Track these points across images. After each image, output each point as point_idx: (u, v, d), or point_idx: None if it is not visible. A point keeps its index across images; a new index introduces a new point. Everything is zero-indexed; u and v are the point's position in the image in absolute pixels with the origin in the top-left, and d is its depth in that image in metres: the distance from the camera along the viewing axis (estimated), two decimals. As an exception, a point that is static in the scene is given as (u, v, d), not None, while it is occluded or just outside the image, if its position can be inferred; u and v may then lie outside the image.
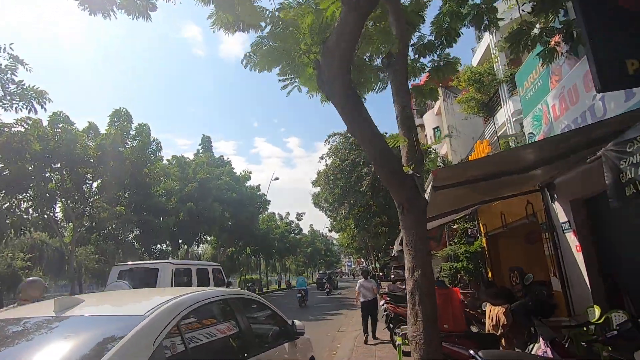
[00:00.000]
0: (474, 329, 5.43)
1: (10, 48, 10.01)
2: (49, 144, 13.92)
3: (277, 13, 3.31)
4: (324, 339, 9.22)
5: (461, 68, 12.77)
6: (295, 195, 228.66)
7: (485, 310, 4.68)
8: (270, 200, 28.95)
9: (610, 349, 3.76)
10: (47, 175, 14.75)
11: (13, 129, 12.82)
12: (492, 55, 14.11)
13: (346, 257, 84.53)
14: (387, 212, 22.35)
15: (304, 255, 55.04)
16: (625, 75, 3.37)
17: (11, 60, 10.21)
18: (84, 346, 1.73)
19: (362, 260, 61.11)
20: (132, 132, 17.32)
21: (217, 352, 2.43)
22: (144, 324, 1.84)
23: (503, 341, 4.24)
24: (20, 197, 14.65)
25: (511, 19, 7.70)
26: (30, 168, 13.72)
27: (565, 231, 6.45)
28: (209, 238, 27.38)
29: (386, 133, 24.62)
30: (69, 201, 15.98)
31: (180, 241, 21.67)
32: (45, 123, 14.55)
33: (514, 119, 13.23)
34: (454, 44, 6.25)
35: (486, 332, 4.50)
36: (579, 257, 6.06)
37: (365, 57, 4.44)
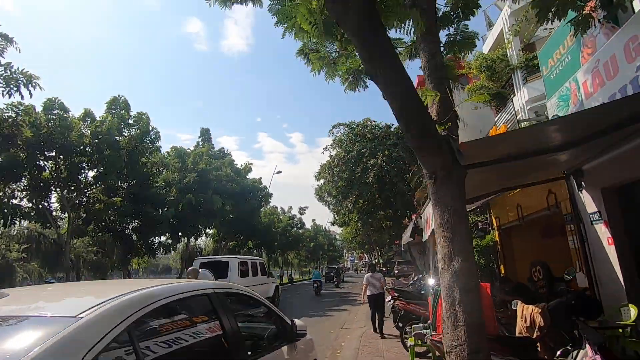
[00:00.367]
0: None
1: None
2: (41, 130, 13.39)
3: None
4: (327, 337, 8.69)
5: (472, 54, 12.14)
6: (299, 191, 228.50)
7: (516, 310, 4.09)
8: (272, 193, 28.39)
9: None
10: (40, 163, 14.23)
11: (4, 114, 12.29)
12: (506, 40, 13.42)
13: (349, 252, 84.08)
14: (392, 206, 21.77)
15: (307, 249, 54.54)
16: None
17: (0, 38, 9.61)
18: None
19: (365, 255, 60.68)
20: (130, 121, 16.74)
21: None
22: (70, 329, 1.27)
23: (539, 346, 3.66)
24: (14, 186, 14.19)
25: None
26: (23, 156, 13.20)
27: (594, 222, 5.85)
28: (210, 231, 26.91)
29: (391, 125, 24.02)
30: (65, 191, 15.51)
31: (180, 234, 21.16)
32: (39, 109, 14.03)
33: (528, 107, 12.57)
34: (471, 17, 5.66)
35: (517, 334, 3.93)
36: (611, 251, 5.47)
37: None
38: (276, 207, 40.69)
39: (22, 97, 10.37)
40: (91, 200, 16.21)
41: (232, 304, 2.54)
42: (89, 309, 1.40)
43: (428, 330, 4.86)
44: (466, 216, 2.74)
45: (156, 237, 19.64)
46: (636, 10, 5.41)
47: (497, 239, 10.26)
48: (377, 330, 8.63)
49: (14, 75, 10.18)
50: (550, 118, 7.14)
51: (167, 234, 20.24)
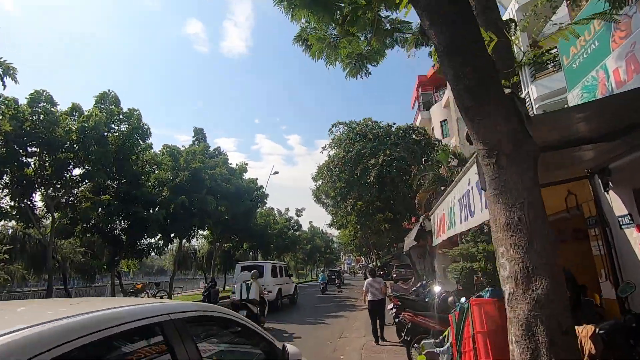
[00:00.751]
0: None
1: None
2: (24, 124, 12.66)
3: None
4: (325, 349, 8.02)
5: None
6: (297, 193, 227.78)
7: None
8: (268, 194, 27.66)
9: None
10: (23, 160, 13.48)
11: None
12: (513, 37, 12.86)
13: (346, 255, 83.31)
14: (392, 208, 21.14)
15: (303, 252, 53.78)
16: None
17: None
18: None
19: (362, 258, 59.96)
20: (120, 117, 16.02)
21: None
22: None
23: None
24: (-6, 182, 13.43)
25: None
26: (3, 150, 12.44)
27: (623, 226, 5.25)
28: (204, 232, 26.17)
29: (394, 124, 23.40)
30: (50, 189, 14.75)
31: (172, 235, 20.38)
32: (24, 102, 13.28)
33: (537, 105, 12.03)
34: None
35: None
36: (644, 258, 4.86)
37: None
38: (272, 209, 39.99)
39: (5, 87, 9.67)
40: (78, 199, 15.46)
41: (202, 330, 1.89)
42: None
43: (441, 349, 4.23)
44: (545, 214, 1.98)
45: (146, 239, 18.85)
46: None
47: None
48: (379, 338, 8.27)
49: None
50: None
51: (158, 235, 19.46)
